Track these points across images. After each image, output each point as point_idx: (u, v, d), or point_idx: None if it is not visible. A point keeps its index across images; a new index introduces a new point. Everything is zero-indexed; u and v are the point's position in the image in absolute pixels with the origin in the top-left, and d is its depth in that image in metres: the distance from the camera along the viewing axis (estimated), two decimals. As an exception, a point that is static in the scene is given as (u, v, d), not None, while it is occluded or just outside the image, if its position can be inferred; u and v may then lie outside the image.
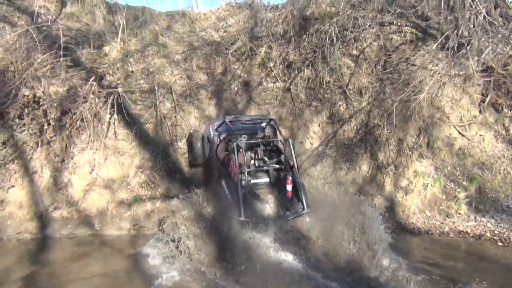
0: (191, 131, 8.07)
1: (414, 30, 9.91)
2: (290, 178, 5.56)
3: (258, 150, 6.17)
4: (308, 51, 10.03)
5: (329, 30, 9.18)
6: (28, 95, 7.73)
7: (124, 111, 8.25)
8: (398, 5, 9.90)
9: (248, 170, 5.70)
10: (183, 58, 9.17)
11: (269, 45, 10.34)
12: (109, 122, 8.38)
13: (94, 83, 8.25)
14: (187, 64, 9.26)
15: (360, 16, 9.20)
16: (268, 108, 9.37)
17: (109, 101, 8.37)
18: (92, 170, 8.03)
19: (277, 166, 5.97)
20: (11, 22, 9.59)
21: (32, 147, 7.83)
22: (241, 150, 5.69)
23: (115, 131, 8.37)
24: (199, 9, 12.60)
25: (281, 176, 5.87)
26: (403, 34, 10.01)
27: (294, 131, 9.17)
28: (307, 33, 9.97)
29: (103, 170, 8.07)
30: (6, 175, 7.59)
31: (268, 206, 5.69)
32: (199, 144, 7.38)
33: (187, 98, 9.22)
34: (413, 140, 8.72)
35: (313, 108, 9.11)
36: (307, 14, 10.82)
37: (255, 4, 11.87)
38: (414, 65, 8.99)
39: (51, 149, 7.93)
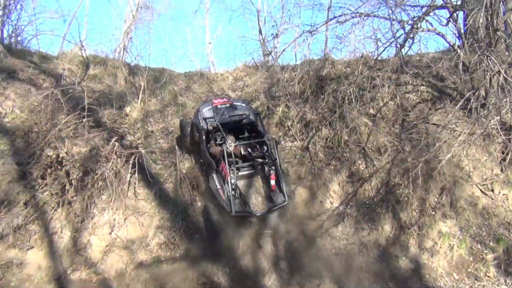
0: (180, 119, 9.20)
1: (431, 89, 10.64)
2: (273, 174, 6.98)
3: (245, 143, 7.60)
4: (325, 110, 10.77)
5: (347, 90, 9.90)
6: (51, 156, 8.34)
7: (145, 171, 8.86)
8: (413, 65, 10.77)
9: (236, 166, 7.01)
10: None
11: (287, 104, 11.16)
12: (129, 182, 8.96)
13: (116, 143, 8.89)
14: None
15: (377, 76, 10.01)
16: (287, 167, 9.92)
17: (130, 161, 8.96)
18: (112, 230, 8.43)
19: (261, 160, 7.39)
20: (37, 85, 10.59)
21: (53, 208, 8.28)
22: (229, 156, 6.91)
23: (135, 191, 8.92)
24: (216, 70, 13.86)
25: (265, 171, 7.27)
26: (419, 93, 10.71)
27: (313, 190, 9.60)
28: (324, 93, 10.82)
29: (122, 230, 8.47)
30: (26, 236, 7.97)
31: (254, 197, 7.14)
32: (188, 130, 8.48)
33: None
34: (436, 199, 9.03)
35: (332, 167, 9.83)
36: (323, 74, 11.82)
37: (272, 64, 13.04)
38: (436, 124, 9.64)
39: (72, 209, 8.37)
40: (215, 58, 15.08)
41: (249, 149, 7.41)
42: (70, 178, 8.31)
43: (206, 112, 7.95)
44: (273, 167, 7.05)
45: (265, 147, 7.40)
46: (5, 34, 13.13)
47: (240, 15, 13.29)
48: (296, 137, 10.50)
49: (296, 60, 12.96)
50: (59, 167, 8.35)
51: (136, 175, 9.08)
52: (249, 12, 14.41)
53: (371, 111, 10.60)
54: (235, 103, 8.34)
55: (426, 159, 8.43)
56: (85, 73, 9.92)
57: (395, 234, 8.94)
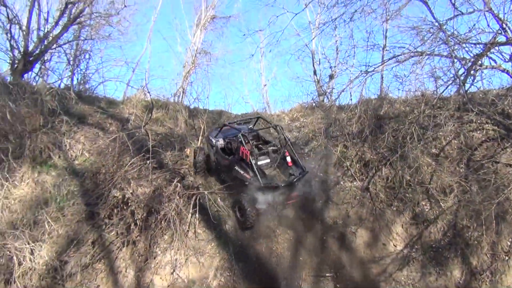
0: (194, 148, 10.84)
1: (497, 127, 10.87)
2: (287, 151, 8.80)
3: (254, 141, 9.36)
4: (385, 149, 11.36)
5: (408, 129, 10.57)
6: (117, 196, 9.36)
7: (206, 211, 9.77)
8: (476, 102, 11.12)
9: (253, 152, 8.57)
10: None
11: (345, 144, 11.98)
12: (190, 222, 10.01)
13: (178, 184, 9.90)
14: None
15: (438, 114, 10.62)
16: (347, 208, 10.63)
17: (191, 202, 10.05)
18: (173, 270, 9.15)
19: (274, 147, 9.28)
20: (104, 128, 12.17)
21: (118, 247, 8.95)
22: (247, 142, 8.79)
23: (195, 231, 9.86)
24: (272, 111, 15.19)
25: (278, 154, 9.03)
26: (484, 132, 10.92)
27: (375, 232, 9.97)
28: (383, 132, 11.59)
29: (184, 270, 9.16)
30: (93, 274, 8.81)
31: (275, 176, 8.87)
32: (200, 157, 10.44)
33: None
34: (509, 243, 9.10)
35: (394, 208, 9.71)
36: (381, 113, 12.67)
37: (329, 105, 14.13)
38: (506, 164, 9.85)
39: (136, 249, 9.17)
40: (270, 99, 16.31)
41: (260, 145, 9.54)
42: (135, 218, 9.25)
43: (215, 134, 10.26)
44: (286, 149, 8.80)
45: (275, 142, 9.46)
46: (75, 82, 15.23)
47: (294, 56, 14.61)
48: (355, 177, 11.14)
49: (352, 99, 13.93)
50: (124, 207, 9.34)
51: (197, 215, 9.92)
52: (303, 54, 15.70)
53: (434, 150, 10.97)
54: (237, 126, 10.06)
55: (499, 200, 8.63)
56: (149, 117, 11.35)
57: (466, 280, 9.07)
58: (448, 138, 11.05)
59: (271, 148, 9.04)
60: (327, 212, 10.51)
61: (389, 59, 10.10)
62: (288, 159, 8.72)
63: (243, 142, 8.53)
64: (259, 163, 8.54)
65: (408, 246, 9.80)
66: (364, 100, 12.37)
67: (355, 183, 10.88)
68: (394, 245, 9.88)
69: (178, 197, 9.70)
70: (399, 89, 11.82)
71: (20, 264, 8.16)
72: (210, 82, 17.90)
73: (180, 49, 18.32)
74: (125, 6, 13.21)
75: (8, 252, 8.21)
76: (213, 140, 9.81)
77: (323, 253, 9.60)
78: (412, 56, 10.42)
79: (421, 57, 10.14)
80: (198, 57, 17.35)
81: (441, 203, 10.06)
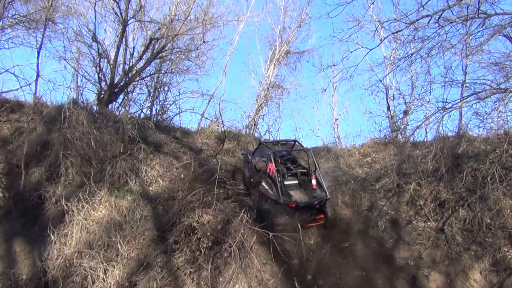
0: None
1: None
2: (314, 174, 9.17)
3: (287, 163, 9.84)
4: (463, 189, 10.88)
5: (489, 170, 10.03)
6: (185, 223, 9.72)
7: (271, 245, 9.99)
8: None
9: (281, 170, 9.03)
10: (329, 193, 10.88)
11: (418, 182, 11.67)
12: (255, 254, 10.15)
13: (244, 215, 10.12)
14: (332, 199, 10.32)
15: (523, 154, 10.01)
16: (420, 249, 10.22)
17: (257, 234, 10.31)
18: None
19: (303, 170, 9.50)
20: (178, 157, 12.75)
21: (185, 274, 9.40)
22: (276, 161, 9.19)
23: (262, 263, 10.01)
24: (343, 145, 15.15)
25: (306, 178, 9.28)
26: None
27: (451, 277, 9.45)
28: (461, 172, 11.15)
29: None
30: None
31: (299, 195, 9.14)
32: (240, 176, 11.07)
33: (332, 233, 10.83)
34: None
35: (472, 253, 9.30)
36: (459, 151, 12.20)
37: (403, 141, 13.82)
38: None
39: (201, 278, 9.36)
40: (341, 133, 16.30)
41: (291, 166, 9.89)
42: (201, 246, 9.49)
43: (253, 152, 10.90)
44: (314, 171, 9.21)
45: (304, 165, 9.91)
46: (153, 112, 16.30)
47: (367, 91, 14.64)
48: (429, 217, 10.73)
49: (427, 136, 13.53)
50: (191, 235, 9.61)
51: (263, 248, 9.94)
52: (377, 90, 15.63)
53: None
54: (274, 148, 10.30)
55: None
56: (221, 148, 11.81)
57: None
58: (534, 180, 10.03)
59: (300, 170, 9.48)
60: (398, 252, 10.14)
61: (469, 95, 9.79)
62: (313, 182, 9.10)
63: (272, 160, 9.01)
64: (286, 182, 9.08)
65: (487, 295, 8.77)
66: (440, 137, 11.86)
67: (429, 223, 10.48)
68: (471, 292, 8.94)
69: (244, 230, 9.71)
70: (479, 127, 11.25)
71: (93, 283, 8.54)
72: (281, 115, 18.16)
73: (254, 83, 18.95)
74: (204, 42, 14.07)
75: (83, 271, 8.63)
76: (249, 157, 10.43)
77: (392, 295, 8.99)
78: (495, 93, 9.95)
79: (504, 94, 9.60)
80: (270, 90, 17.81)
81: (525, 250, 8.96)
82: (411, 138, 12.81)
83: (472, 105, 10.78)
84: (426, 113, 11.93)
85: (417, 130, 10.91)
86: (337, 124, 18.46)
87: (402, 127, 15.55)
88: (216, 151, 11.60)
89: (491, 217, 9.99)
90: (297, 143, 10.88)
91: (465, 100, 10.03)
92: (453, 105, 10.04)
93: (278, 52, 18.02)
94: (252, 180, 10.00)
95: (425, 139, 12.95)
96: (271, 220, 8.90)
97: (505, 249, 9.59)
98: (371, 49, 10.51)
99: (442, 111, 10.27)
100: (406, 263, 9.92)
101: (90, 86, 13.12)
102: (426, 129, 12.19)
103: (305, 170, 9.35)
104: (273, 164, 8.92)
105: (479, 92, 9.94)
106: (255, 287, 9.31)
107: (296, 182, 9.22)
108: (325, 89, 13.56)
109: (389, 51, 16.91)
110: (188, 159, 12.05)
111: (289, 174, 9.34)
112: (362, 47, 10.89)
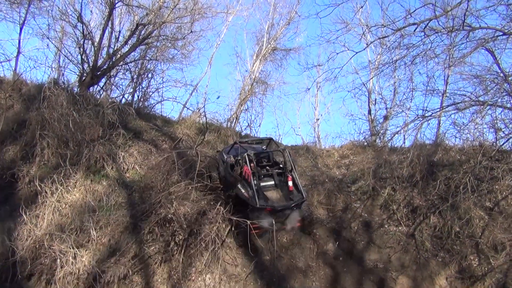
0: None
1: None
2: (290, 176, 8.80)
3: (263, 162, 9.49)
4: (435, 197, 11.07)
5: (462, 179, 10.20)
6: (161, 214, 9.55)
7: (246, 239, 9.93)
8: None
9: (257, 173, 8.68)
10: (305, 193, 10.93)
11: (393, 187, 11.82)
12: (228, 247, 10.12)
13: (221, 208, 10.06)
14: (308, 199, 10.18)
15: (496, 167, 10.24)
16: (389, 252, 10.36)
17: (233, 227, 10.30)
18: None
19: (279, 170, 9.17)
20: (157, 145, 12.58)
21: (156, 263, 8.77)
22: (251, 162, 8.84)
23: (234, 257, 10.03)
24: (322, 146, 15.24)
25: (282, 178, 8.96)
26: None
27: (417, 281, 9.55)
28: (435, 179, 11.32)
29: None
30: (129, 286, 8.90)
31: (275, 197, 8.77)
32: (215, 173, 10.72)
33: (304, 232, 10.93)
34: None
35: (440, 259, 9.41)
36: (435, 160, 12.41)
37: (381, 146, 13.99)
38: None
39: (173, 267, 8.80)
40: (321, 133, 16.41)
41: (267, 167, 9.48)
42: (175, 238, 9.47)
43: (228, 150, 10.48)
44: (290, 172, 8.84)
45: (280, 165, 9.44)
46: (135, 98, 16.04)
47: (350, 93, 14.76)
48: (401, 222, 10.90)
49: (405, 142, 13.74)
50: (166, 225, 9.55)
51: (236, 241, 10.01)
52: (359, 93, 15.74)
53: (488, 203, 10.59)
54: (248, 146, 10.42)
55: None
56: (201, 139, 11.71)
57: None
58: (504, 193, 10.64)
59: (276, 171, 9.14)
60: (368, 255, 10.27)
61: (449, 105, 10.06)
62: (290, 183, 8.73)
63: (247, 162, 8.68)
64: (262, 184, 8.76)
65: (451, 302, 8.96)
66: (418, 144, 12.12)
67: (400, 228, 10.65)
68: (436, 298, 9.12)
69: (220, 222, 9.75)
70: (456, 137, 11.52)
71: (62, 266, 8.42)
72: (263, 111, 18.08)
73: (238, 77, 18.85)
74: (191, 31, 13.87)
75: (53, 253, 8.47)
76: (225, 156, 10.08)
77: (360, 296, 9.11)
78: (473, 105, 10.22)
79: (482, 106, 9.87)
80: (254, 86, 17.75)
81: (491, 260, 9.58)
82: (389, 144, 13.03)
83: (451, 115, 11.18)
84: (406, 120, 12.15)
85: (396, 135, 11.18)
86: (318, 124, 18.57)
87: (381, 131, 15.64)
88: (196, 142, 11.38)
89: (460, 226, 10.17)
90: (272, 141, 10.58)
91: (444, 110, 10.27)
92: (432, 113, 10.27)
93: (265, 48, 17.99)
94: (226, 179, 9.81)
95: (403, 145, 13.10)
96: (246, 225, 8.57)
97: (471, 258, 9.79)
98: (357, 52, 10.60)
99: (421, 119, 10.51)
100: (375, 265, 10.08)
101: (72, 67, 12.86)
102: (404, 136, 12.52)
103: (281, 171, 9.08)
104: (248, 167, 8.59)
105: (459, 103, 10.17)
106: (225, 280, 9.36)
107: (273, 183, 8.95)
108: (309, 88, 13.55)
109: (374, 56, 17.08)
110: (168, 149, 11.83)
111: (265, 175, 8.98)
112: (348, 49, 10.95)
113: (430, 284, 9.61)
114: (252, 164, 8.80)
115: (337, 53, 10.48)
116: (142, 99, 15.48)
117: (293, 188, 8.75)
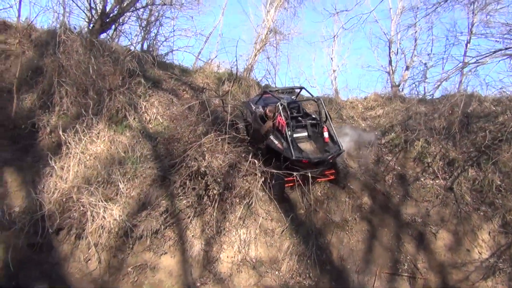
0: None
1: None
2: (326, 127, 8.38)
3: (293, 113, 8.86)
4: (471, 149, 10.58)
5: (499, 131, 9.86)
6: (193, 167, 8.98)
7: (281, 192, 9.36)
8: None
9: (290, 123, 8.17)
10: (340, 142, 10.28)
11: (426, 139, 11.20)
12: (263, 200, 9.50)
13: (255, 160, 9.28)
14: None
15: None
16: (427, 206, 9.81)
17: (267, 180, 9.52)
18: (242, 248, 8.77)
19: (313, 121, 8.68)
20: (178, 95, 11.75)
21: (189, 217, 8.84)
22: (284, 112, 8.40)
23: (268, 211, 9.44)
24: (342, 98, 14.42)
25: (317, 129, 8.57)
26: None
27: (459, 236, 9.21)
28: (471, 131, 10.65)
29: (252, 249, 8.76)
30: (161, 241, 8.51)
31: (310, 149, 8.33)
32: (241, 124, 9.89)
33: (339, 185, 10.26)
34: None
35: (481, 213, 9.05)
36: (468, 111, 11.70)
37: (407, 97, 13.18)
38: None
39: (206, 222, 8.89)
40: (338, 86, 15.53)
41: (299, 117, 8.97)
42: (208, 191, 8.87)
43: (256, 100, 9.90)
44: (325, 123, 8.44)
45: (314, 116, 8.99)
46: (144, 47, 15.03)
47: (370, 44, 13.88)
48: (438, 175, 10.29)
49: (433, 94, 13.00)
50: (199, 179, 8.94)
51: (270, 195, 9.37)
52: (378, 43, 14.82)
53: None
54: (278, 95, 9.64)
55: None
56: (229, 88, 10.82)
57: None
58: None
59: (310, 121, 8.65)
60: (405, 208, 9.81)
61: (497, 51, 8.95)
62: (326, 134, 8.33)
63: (281, 112, 8.20)
64: (295, 135, 8.28)
65: (495, 256, 8.98)
66: (450, 95, 11.19)
67: (437, 181, 9.99)
68: (479, 252, 9.08)
69: (253, 174, 9.11)
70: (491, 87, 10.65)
71: (92, 220, 7.88)
72: (279, 62, 16.94)
73: (252, 25, 17.70)
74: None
75: (81, 207, 7.88)
76: (253, 106, 9.45)
77: (398, 251, 8.87)
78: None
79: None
80: (269, 35, 16.64)
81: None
82: (432, 92, 12.30)
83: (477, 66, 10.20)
84: (425, 69, 11.25)
85: (441, 83, 10.18)
86: (335, 76, 17.52)
87: (417, 80, 14.75)
88: (217, 92, 10.50)
89: (500, 179, 9.74)
90: (303, 90, 9.81)
91: (492, 55, 9.22)
92: (477, 60, 9.26)
93: (280, -7, 16.58)
94: (256, 130, 9.10)
95: (432, 97, 12.29)
96: (279, 179, 8.36)
97: (515, 212, 8.94)
98: None
99: (460, 69, 9.71)
100: (413, 220, 9.67)
101: (78, 13, 11.68)
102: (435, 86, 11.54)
103: (315, 121, 8.58)
104: (282, 116, 8.13)
105: (507, 49, 9.07)
106: (261, 235, 8.91)
107: (306, 134, 8.51)
108: (335, 36, 12.55)
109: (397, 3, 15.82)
110: (189, 98, 11.00)
111: (298, 125, 8.43)
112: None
113: (472, 239, 9.22)
114: (285, 114, 8.26)
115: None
116: (152, 48, 14.30)
117: (328, 139, 8.31)
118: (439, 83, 10.51)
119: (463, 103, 10.59)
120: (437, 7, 9.60)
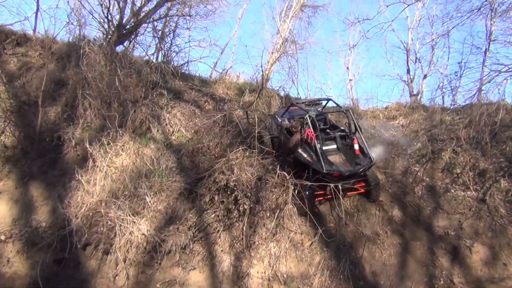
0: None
1: None
2: (356, 138, 8.04)
3: (320, 124, 8.61)
4: (501, 159, 10.26)
5: None
6: (221, 181, 8.71)
7: (310, 205, 9.08)
8: None
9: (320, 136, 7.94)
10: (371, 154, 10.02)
11: (454, 149, 10.91)
12: (292, 214, 9.20)
13: (285, 174, 8.99)
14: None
15: None
16: (460, 219, 9.49)
17: (295, 193, 9.22)
18: (272, 263, 8.46)
19: (342, 133, 8.45)
20: (200, 106, 11.63)
21: (218, 232, 8.13)
22: (313, 124, 8.07)
23: (298, 225, 9.13)
24: (361, 107, 14.18)
25: (346, 141, 8.32)
26: None
27: (495, 249, 8.89)
28: (500, 141, 10.35)
29: (282, 264, 8.46)
30: (190, 256, 8.24)
31: (340, 162, 8.11)
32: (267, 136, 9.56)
33: (369, 198, 9.94)
34: None
35: None
36: (496, 120, 11.41)
37: (431, 106, 12.91)
38: None
39: (235, 236, 8.62)
40: (354, 95, 15.38)
41: (327, 130, 8.87)
42: (238, 206, 8.60)
43: (282, 114, 9.80)
44: (354, 133, 8.19)
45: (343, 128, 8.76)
46: (159, 59, 14.87)
47: (386, 52, 13.73)
48: (469, 186, 9.98)
49: (457, 102, 12.76)
50: (228, 193, 8.67)
51: (299, 208, 9.10)
52: (395, 52, 14.66)
53: None
54: (305, 108, 9.44)
55: None
56: (253, 101, 10.60)
57: None
58: None
59: (339, 133, 8.48)
60: (437, 221, 9.57)
61: None
62: (356, 147, 8.07)
63: (310, 124, 7.87)
64: (324, 148, 8.07)
65: (534, 270, 8.22)
66: (477, 104, 10.89)
67: (468, 192, 9.59)
68: (518, 266, 8.33)
69: (282, 188, 8.86)
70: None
71: (121, 235, 7.61)
72: (296, 72, 16.74)
73: (267, 36, 17.59)
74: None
75: (109, 221, 7.60)
76: (279, 119, 9.31)
77: (433, 265, 8.57)
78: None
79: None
80: (285, 45, 16.48)
81: None
82: (439, 103, 11.94)
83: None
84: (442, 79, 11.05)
85: (479, 92, 9.88)
86: (351, 86, 17.31)
87: (449, 89, 14.48)
88: (243, 102, 10.30)
89: (536, 191, 8.90)
90: (330, 102, 9.46)
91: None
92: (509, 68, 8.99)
93: (294, 4, 16.44)
94: (283, 143, 8.99)
95: (456, 105, 12.07)
96: (311, 191, 8.26)
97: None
98: (409, 5, 9.47)
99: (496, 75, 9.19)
100: (445, 233, 9.37)
101: (92, 25, 11.59)
102: (453, 94, 11.34)
103: (344, 133, 8.39)
104: (311, 129, 7.82)
105: None
106: (291, 248, 8.64)
107: (335, 146, 8.39)
108: (355, 45, 12.47)
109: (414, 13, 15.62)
110: (211, 109, 10.79)
111: (327, 138, 8.27)
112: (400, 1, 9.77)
113: (509, 252, 8.86)
114: (314, 126, 8.02)
115: (387, 6, 9.39)
116: (167, 60, 14.13)
117: (359, 152, 8.11)
118: (476, 91, 10.03)
119: (500, 112, 10.24)
120: (470, 15, 9.28)
